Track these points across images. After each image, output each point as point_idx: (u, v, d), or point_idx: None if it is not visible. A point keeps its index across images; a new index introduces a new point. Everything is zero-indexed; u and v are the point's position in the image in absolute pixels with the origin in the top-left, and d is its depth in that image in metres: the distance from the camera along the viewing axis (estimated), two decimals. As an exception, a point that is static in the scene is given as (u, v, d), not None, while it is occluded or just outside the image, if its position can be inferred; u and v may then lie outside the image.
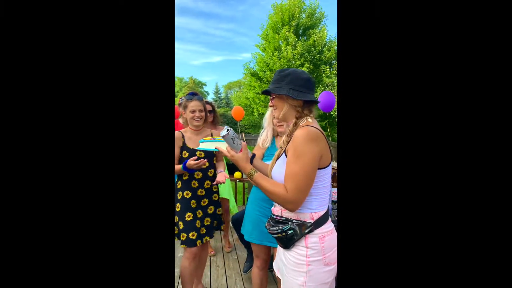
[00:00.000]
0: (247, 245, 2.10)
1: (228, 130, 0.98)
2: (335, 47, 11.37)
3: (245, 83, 15.74)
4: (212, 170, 1.66)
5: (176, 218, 1.62)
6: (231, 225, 2.46)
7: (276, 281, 2.05)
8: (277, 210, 1.00)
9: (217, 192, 1.74)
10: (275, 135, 1.54)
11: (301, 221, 0.92)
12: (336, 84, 10.50)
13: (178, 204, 1.62)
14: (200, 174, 1.61)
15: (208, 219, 1.67)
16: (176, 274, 2.14)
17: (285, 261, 0.97)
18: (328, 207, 0.98)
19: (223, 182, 1.59)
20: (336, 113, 9.56)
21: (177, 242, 1.63)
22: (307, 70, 10.45)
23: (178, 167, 1.59)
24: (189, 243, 1.57)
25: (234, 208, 2.54)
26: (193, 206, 1.61)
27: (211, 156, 1.66)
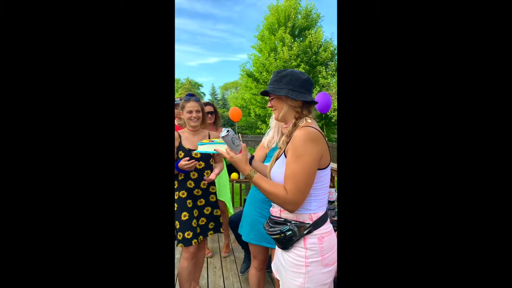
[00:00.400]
0: (245, 246, 2.10)
1: (228, 131, 0.98)
2: (331, 48, 11.43)
3: (241, 84, 15.75)
4: (209, 171, 1.67)
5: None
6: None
7: (273, 282, 2.05)
8: (275, 211, 1.00)
9: (215, 194, 1.73)
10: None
11: (300, 222, 0.92)
12: (332, 84, 10.55)
13: (174, 204, 1.62)
14: (196, 174, 1.62)
15: (204, 219, 1.67)
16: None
17: (283, 262, 0.97)
18: (326, 208, 0.98)
19: (211, 179, 1.60)
20: (332, 113, 9.60)
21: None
22: (303, 71, 10.49)
23: None
24: (185, 242, 1.57)
25: (230, 209, 2.53)
26: (189, 205, 1.61)
27: (208, 157, 1.66)
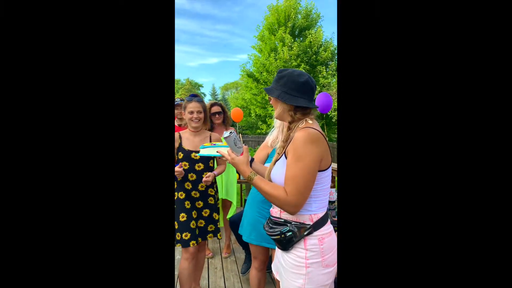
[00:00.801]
0: (245, 246, 2.10)
1: (231, 132, 0.98)
2: (331, 48, 11.43)
3: (242, 84, 15.75)
4: (208, 173, 1.66)
5: None
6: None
7: (274, 282, 2.05)
8: (275, 211, 1.00)
9: (214, 196, 1.72)
10: None
11: (300, 223, 0.92)
12: (332, 84, 10.54)
13: (174, 205, 1.62)
14: (194, 176, 1.61)
15: (202, 221, 1.67)
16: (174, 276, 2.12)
17: (283, 263, 0.97)
18: (327, 209, 0.98)
19: (207, 181, 1.58)
20: (332, 113, 9.59)
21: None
22: (303, 70, 10.49)
23: None
24: (183, 243, 1.57)
25: (233, 208, 2.53)
26: (188, 207, 1.61)
27: (207, 158, 1.66)
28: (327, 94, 3.58)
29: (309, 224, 0.91)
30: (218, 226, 1.74)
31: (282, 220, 0.95)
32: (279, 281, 1.04)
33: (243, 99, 13.28)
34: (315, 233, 0.91)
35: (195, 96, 1.69)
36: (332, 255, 0.93)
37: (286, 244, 0.93)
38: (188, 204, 1.61)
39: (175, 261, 2.35)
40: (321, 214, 0.93)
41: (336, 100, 7.40)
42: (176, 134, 1.66)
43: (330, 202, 1.93)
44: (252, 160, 1.13)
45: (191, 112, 1.62)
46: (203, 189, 1.65)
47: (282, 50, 11.20)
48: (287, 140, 0.94)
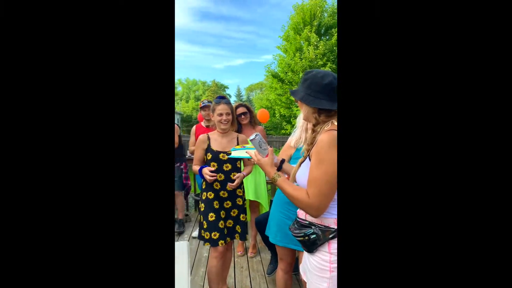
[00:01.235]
0: (271, 247, 2.11)
1: (256, 135, 1.02)
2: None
3: (266, 85, 15.78)
4: (236, 173, 1.69)
5: (201, 217, 1.67)
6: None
7: (300, 284, 2.04)
8: (302, 213, 1.00)
9: (242, 197, 1.75)
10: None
11: (324, 226, 0.92)
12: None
13: (202, 204, 1.68)
14: (223, 176, 1.65)
15: (231, 221, 1.69)
16: (201, 273, 2.19)
17: (309, 265, 0.97)
18: None
19: (233, 186, 1.63)
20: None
21: (201, 242, 1.68)
22: (329, 69, 10.26)
23: (196, 168, 1.67)
24: (211, 242, 1.61)
25: (265, 209, 2.56)
26: (216, 207, 1.65)
27: (235, 159, 1.69)
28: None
29: (334, 228, 0.90)
30: (246, 228, 1.76)
31: (307, 222, 0.96)
32: (305, 282, 1.04)
33: (268, 99, 13.30)
34: (341, 236, 0.90)
35: (223, 98, 1.72)
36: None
37: (310, 246, 0.93)
38: (216, 204, 1.65)
39: (203, 259, 2.43)
40: (347, 217, 0.92)
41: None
42: (205, 136, 1.71)
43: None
44: (283, 161, 1.15)
45: (220, 114, 1.65)
46: (231, 189, 1.68)
47: (308, 50, 11.05)
48: (312, 143, 0.94)
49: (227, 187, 1.65)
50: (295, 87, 8.59)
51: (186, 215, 3.49)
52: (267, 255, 2.48)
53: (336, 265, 0.89)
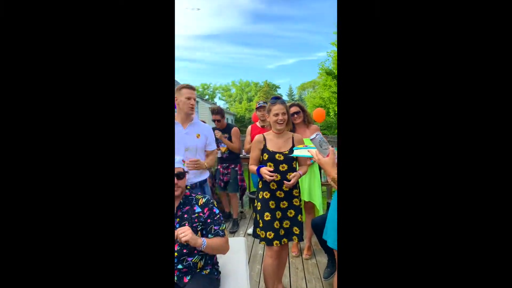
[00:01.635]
0: (328, 251, 2.04)
1: (316, 134, 1.00)
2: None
3: (319, 82, 15.33)
4: (291, 173, 1.68)
5: (257, 216, 1.70)
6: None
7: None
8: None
9: (298, 197, 1.72)
10: None
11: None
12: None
13: (258, 203, 1.70)
14: (279, 176, 1.64)
15: (288, 222, 1.68)
16: (256, 270, 2.24)
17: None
18: None
19: (290, 185, 1.60)
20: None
21: (256, 240, 1.70)
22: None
23: (254, 167, 1.69)
24: (267, 241, 1.62)
25: (320, 211, 2.50)
26: (272, 206, 1.65)
27: (291, 159, 1.68)
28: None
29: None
30: (303, 229, 1.73)
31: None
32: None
33: (321, 97, 12.90)
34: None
35: (278, 98, 1.72)
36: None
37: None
38: (272, 204, 1.66)
39: (258, 255, 2.48)
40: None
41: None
42: (261, 136, 1.73)
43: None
44: None
45: (276, 114, 1.65)
46: (287, 189, 1.66)
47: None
48: None
49: (283, 187, 1.65)
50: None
51: (241, 211, 3.61)
52: (323, 259, 2.40)
53: None
